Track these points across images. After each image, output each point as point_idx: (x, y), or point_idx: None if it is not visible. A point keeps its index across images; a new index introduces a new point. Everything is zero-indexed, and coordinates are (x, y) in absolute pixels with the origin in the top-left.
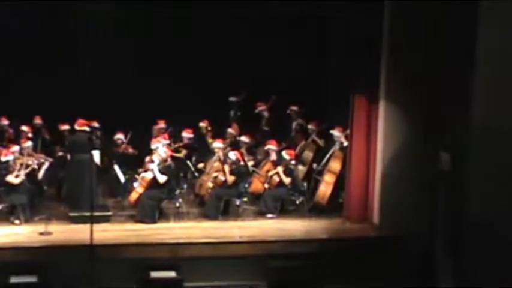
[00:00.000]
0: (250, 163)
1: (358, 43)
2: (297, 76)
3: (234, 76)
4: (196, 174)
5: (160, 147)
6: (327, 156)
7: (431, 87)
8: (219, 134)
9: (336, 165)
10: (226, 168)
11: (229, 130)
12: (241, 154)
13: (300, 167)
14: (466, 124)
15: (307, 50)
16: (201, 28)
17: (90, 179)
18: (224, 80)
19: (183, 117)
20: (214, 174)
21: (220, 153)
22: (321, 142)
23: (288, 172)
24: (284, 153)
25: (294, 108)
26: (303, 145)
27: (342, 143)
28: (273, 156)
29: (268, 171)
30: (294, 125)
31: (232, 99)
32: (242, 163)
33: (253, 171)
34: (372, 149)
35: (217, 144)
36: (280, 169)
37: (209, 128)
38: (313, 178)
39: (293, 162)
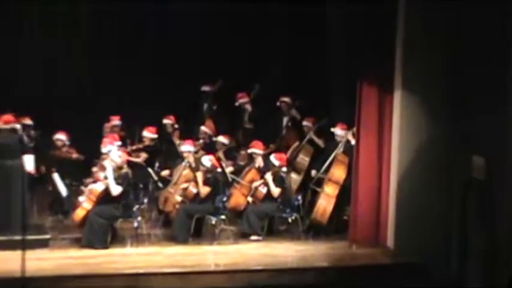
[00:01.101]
0: (229, 170)
1: (366, 26)
2: (288, 60)
3: (207, 60)
4: (161, 184)
5: (114, 151)
6: (328, 161)
7: (459, 81)
8: (189, 133)
9: (339, 172)
10: (199, 177)
11: (202, 128)
12: (218, 159)
13: (294, 175)
14: (503, 123)
15: (301, 30)
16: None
17: (22, 192)
18: (195, 65)
19: (142, 112)
20: (184, 185)
21: (191, 158)
22: (320, 143)
23: (278, 182)
24: (273, 158)
25: (285, 99)
26: (296, 147)
27: (346, 145)
28: (259, 162)
29: (252, 181)
30: (285, 121)
31: (205, 88)
32: (219, 170)
33: (234, 180)
34: (385, 152)
35: (187, 147)
36: (267, 178)
37: (176, 126)
38: (310, 189)
39: (284, 169)
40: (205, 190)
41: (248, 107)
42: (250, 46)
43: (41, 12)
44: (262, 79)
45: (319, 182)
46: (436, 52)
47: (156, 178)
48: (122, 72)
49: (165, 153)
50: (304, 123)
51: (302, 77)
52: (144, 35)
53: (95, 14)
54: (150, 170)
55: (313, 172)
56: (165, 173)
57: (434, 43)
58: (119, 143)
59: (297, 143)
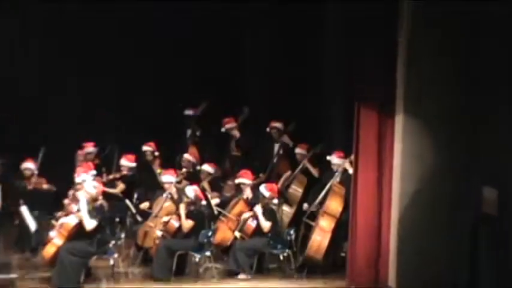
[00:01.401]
0: (215, 202)
1: (364, 40)
2: (279, 81)
3: (190, 80)
4: (139, 218)
5: (88, 181)
6: (323, 192)
7: (468, 102)
8: (170, 161)
9: (335, 205)
10: (182, 209)
11: (185, 156)
12: (202, 190)
13: (286, 208)
14: None
15: (295, 48)
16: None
17: None
18: (177, 86)
19: (120, 138)
20: (165, 218)
21: (173, 189)
22: (314, 172)
23: (269, 215)
24: (263, 189)
25: (277, 124)
26: (289, 177)
27: (343, 174)
28: (247, 193)
29: (240, 213)
30: (276, 148)
31: (188, 112)
32: (203, 202)
33: (220, 213)
34: (386, 182)
35: (169, 177)
36: (257, 211)
37: (156, 154)
38: (303, 223)
39: (275, 200)
40: (188, 224)
41: (235, 132)
42: (239, 66)
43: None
44: (251, 102)
45: (314, 215)
46: (442, 69)
47: (134, 211)
48: (97, 94)
49: (144, 184)
50: (297, 150)
51: (295, 100)
52: (120, 53)
53: (67, 29)
54: (127, 202)
55: (307, 204)
56: (144, 205)
57: (439, 60)
58: (94, 172)
59: (289, 173)
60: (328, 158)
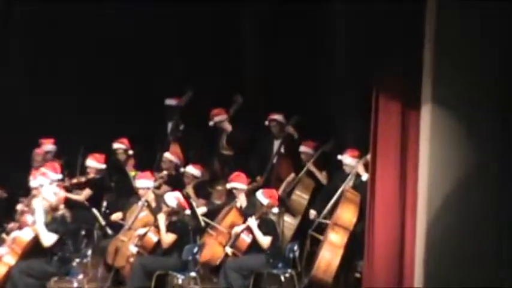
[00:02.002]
0: (202, 211)
1: (386, 20)
2: (280, 64)
3: (172, 64)
4: (110, 231)
5: (47, 186)
6: (334, 199)
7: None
8: (147, 162)
9: (348, 214)
10: (161, 220)
11: (166, 155)
12: (186, 197)
13: (288, 219)
14: None
15: (297, 24)
16: None
17: None
18: (157, 71)
19: (85, 134)
20: (141, 231)
21: (150, 196)
22: (320, 177)
23: (267, 227)
24: (260, 195)
25: (277, 117)
26: (292, 180)
27: (357, 178)
28: (241, 200)
29: (232, 225)
30: (276, 145)
31: (169, 102)
32: (188, 212)
33: (207, 225)
34: (410, 187)
35: (145, 181)
36: (252, 222)
37: (130, 152)
38: (309, 237)
39: (275, 209)
40: (169, 238)
41: (227, 126)
42: (231, 47)
43: None
44: (245, 90)
45: (322, 228)
46: (476, 49)
47: (103, 222)
48: (57, 77)
49: (115, 189)
50: (302, 148)
51: (299, 87)
52: (89, 30)
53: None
54: (95, 211)
55: (314, 214)
56: (115, 215)
57: (476, 38)
58: (59, 175)
59: (292, 175)
60: (339, 157)
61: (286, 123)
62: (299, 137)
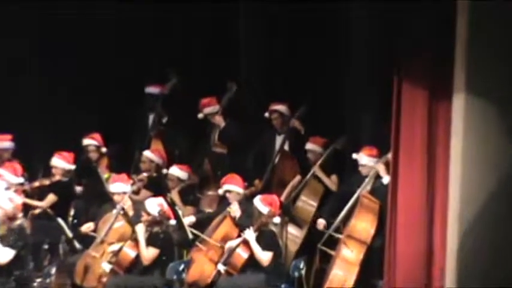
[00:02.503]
0: (190, 221)
1: None
2: (280, 44)
3: (155, 46)
4: (78, 245)
5: (2, 191)
6: (347, 206)
7: None
8: (124, 161)
9: (364, 225)
10: (140, 232)
11: (146, 154)
12: (171, 203)
13: (292, 230)
14: None
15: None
16: None
17: None
18: (135, 54)
19: (49, 129)
20: (115, 246)
21: (127, 202)
22: (330, 181)
23: (267, 240)
24: (258, 202)
25: (279, 107)
26: (297, 184)
27: (376, 181)
28: (236, 208)
29: (225, 238)
30: (278, 142)
31: (151, 91)
32: (172, 222)
33: (196, 237)
34: (439, 191)
35: (121, 185)
36: (249, 235)
37: (104, 150)
38: (318, 252)
39: (277, 219)
40: (149, 254)
41: (219, 119)
42: (223, 21)
43: None
44: (241, 75)
45: (333, 241)
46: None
47: (70, 234)
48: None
49: (85, 195)
50: (309, 146)
51: (306, 73)
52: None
53: None
54: (60, 221)
55: (323, 224)
56: (86, 226)
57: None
58: (20, 179)
59: (297, 178)
60: (354, 156)
61: (290, 116)
62: (306, 132)
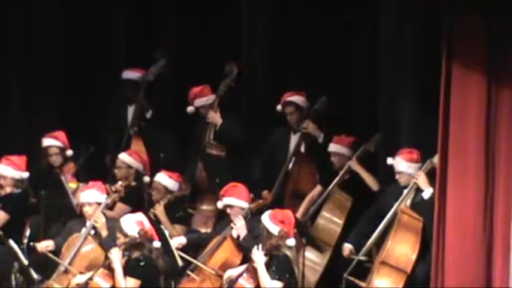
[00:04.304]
0: (179, 243)
1: None
2: (291, 20)
3: (135, 21)
4: (36, 275)
5: None
6: (382, 224)
7: None
8: (95, 167)
9: (403, 249)
10: (115, 257)
11: (122, 158)
12: (153, 221)
13: (311, 255)
14: None
15: None
16: None
17: None
18: (110, 33)
19: None
20: (82, 277)
21: (100, 219)
22: (370, 183)
23: (279, 268)
24: (267, 220)
25: (295, 99)
26: (317, 196)
27: (418, 193)
28: (239, 227)
29: (225, 264)
30: (293, 142)
31: (130, 76)
32: (156, 244)
33: (187, 264)
34: (499, 207)
35: (93, 194)
36: (259, 257)
37: (69, 153)
38: (344, 282)
39: (291, 241)
40: (128, 285)
41: (214, 114)
42: None
43: None
44: (246, 56)
45: (363, 269)
46: None
47: (25, 261)
48: None
49: (44, 210)
50: (333, 147)
51: (326, 54)
52: None
53: None
54: (12, 244)
55: (350, 248)
56: (44, 244)
57: None
58: None
59: (317, 189)
60: (389, 161)
61: (309, 109)
62: (328, 131)
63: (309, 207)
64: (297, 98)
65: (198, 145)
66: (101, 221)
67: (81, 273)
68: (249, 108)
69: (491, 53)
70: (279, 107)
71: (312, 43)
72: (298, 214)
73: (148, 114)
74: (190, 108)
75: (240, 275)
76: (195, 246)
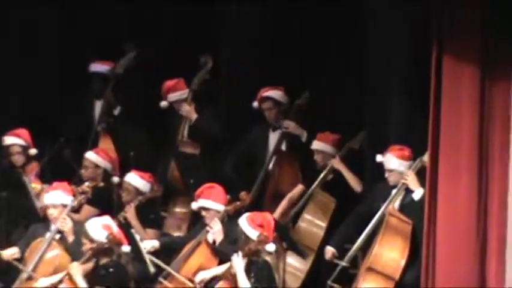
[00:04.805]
0: (152, 246)
1: None
2: (270, 8)
3: (102, 13)
4: None
5: None
6: (369, 227)
7: None
8: (60, 167)
9: (391, 254)
10: (75, 269)
11: (89, 157)
12: (122, 224)
13: (293, 261)
14: None
15: None
16: None
17: None
18: (75, 23)
19: None
20: (48, 280)
21: (66, 223)
22: (354, 184)
23: (258, 274)
24: (245, 223)
25: (273, 94)
26: (298, 196)
27: (408, 194)
28: (215, 231)
29: (199, 271)
30: (272, 140)
31: (97, 68)
32: (126, 249)
33: (159, 270)
34: (493, 209)
35: (59, 195)
36: (237, 262)
37: (33, 151)
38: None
39: (271, 246)
40: None
41: (188, 109)
42: None
43: None
44: (222, 48)
45: (348, 275)
46: None
47: None
48: None
49: (5, 213)
50: (317, 145)
51: (307, 45)
52: None
53: None
54: None
55: (331, 251)
56: (9, 252)
57: None
58: None
59: (299, 188)
60: (378, 158)
61: (289, 105)
62: (311, 128)
63: (286, 207)
64: (275, 93)
65: (171, 142)
66: (67, 225)
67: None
68: (227, 103)
69: (485, 45)
70: (255, 104)
71: (295, 35)
72: (275, 214)
73: (117, 111)
74: (163, 103)
75: (215, 278)
76: (168, 250)
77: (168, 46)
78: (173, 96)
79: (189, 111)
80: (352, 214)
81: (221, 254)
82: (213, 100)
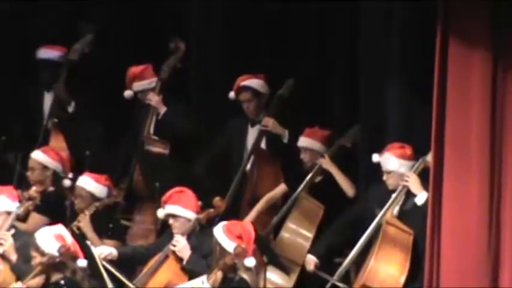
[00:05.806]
0: (110, 254)
1: None
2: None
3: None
4: None
5: None
6: (363, 238)
7: None
8: (5, 168)
9: (389, 268)
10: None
11: (36, 156)
12: (76, 234)
13: (275, 277)
14: None
15: None
16: None
17: None
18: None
19: None
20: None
21: (6, 240)
22: (346, 187)
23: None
24: (221, 233)
25: (252, 83)
26: (279, 196)
27: (409, 199)
28: (181, 246)
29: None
30: (251, 136)
31: (47, 55)
32: (81, 263)
33: (119, 286)
34: (507, 215)
35: (2, 201)
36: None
37: None
38: None
39: (250, 260)
40: None
41: (156, 100)
42: None
43: None
44: (194, 31)
45: None
46: None
47: None
48: None
49: None
50: (303, 142)
51: (292, 28)
52: None
53: None
54: None
55: (313, 261)
56: None
57: None
58: None
59: (281, 188)
60: (375, 158)
61: (270, 96)
62: (296, 123)
63: (263, 209)
64: (254, 82)
65: (135, 140)
66: (7, 243)
67: None
68: (200, 95)
69: (496, 27)
70: (231, 94)
71: (278, 14)
72: (249, 217)
73: (71, 108)
74: (127, 93)
75: None
76: (130, 263)
77: (132, 27)
78: (139, 85)
79: (157, 102)
80: (340, 218)
81: (190, 273)
82: (185, 91)
